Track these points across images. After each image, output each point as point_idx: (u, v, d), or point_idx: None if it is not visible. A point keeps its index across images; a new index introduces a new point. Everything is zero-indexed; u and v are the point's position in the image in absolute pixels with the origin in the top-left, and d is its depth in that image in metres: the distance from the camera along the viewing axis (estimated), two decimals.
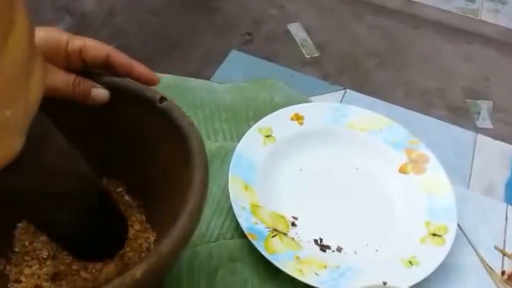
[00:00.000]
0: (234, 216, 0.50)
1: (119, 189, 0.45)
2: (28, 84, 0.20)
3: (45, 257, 0.41)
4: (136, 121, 0.41)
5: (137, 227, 0.43)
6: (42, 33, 0.37)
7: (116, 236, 0.42)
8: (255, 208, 0.52)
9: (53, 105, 0.29)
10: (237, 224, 0.50)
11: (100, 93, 0.39)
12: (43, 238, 0.42)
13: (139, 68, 0.40)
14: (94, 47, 0.38)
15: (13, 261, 0.41)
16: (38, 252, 0.41)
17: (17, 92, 0.19)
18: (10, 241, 0.41)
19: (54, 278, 0.40)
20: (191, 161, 0.35)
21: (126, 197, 0.45)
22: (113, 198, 0.42)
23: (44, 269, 0.40)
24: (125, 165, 0.44)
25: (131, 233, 0.42)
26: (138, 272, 0.29)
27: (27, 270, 0.40)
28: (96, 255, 0.40)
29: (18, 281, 0.40)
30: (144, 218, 0.44)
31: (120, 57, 0.39)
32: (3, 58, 0.18)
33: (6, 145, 0.20)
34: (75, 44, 0.38)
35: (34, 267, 0.40)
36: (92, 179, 0.37)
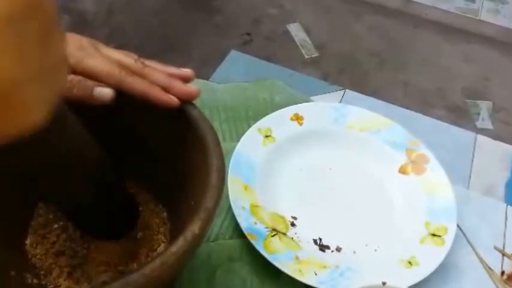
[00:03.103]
0: (233, 216, 0.50)
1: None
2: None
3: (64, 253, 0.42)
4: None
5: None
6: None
7: (126, 215, 0.42)
8: (254, 208, 0.52)
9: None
10: (236, 224, 0.50)
11: (103, 92, 0.36)
12: (54, 250, 0.42)
13: (158, 95, 0.37)
14: (105, 75, 0.36)
15: (42, 273, 0.41)
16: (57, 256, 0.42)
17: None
18: (26, 257, 0.41)
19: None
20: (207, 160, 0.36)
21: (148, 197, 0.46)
22: (123, 181, 0.41)
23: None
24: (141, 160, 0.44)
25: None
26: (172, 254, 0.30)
27: (56, 272, 0.41)
28: (106, 234, 0.41)
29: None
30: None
31: (134, 85, 0.37)
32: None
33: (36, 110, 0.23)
34: (84, 66, 0.36)
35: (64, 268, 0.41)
36: (101, 157, 0.37)
